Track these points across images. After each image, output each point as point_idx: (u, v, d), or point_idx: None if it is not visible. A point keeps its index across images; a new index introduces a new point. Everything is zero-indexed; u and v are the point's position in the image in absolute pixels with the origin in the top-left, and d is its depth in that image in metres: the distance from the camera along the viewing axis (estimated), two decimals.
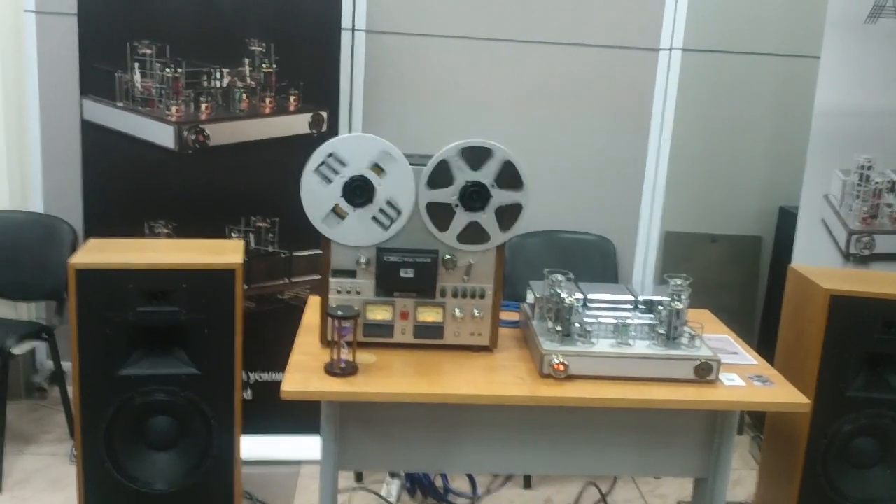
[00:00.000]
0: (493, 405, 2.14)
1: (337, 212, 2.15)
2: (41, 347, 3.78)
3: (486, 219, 2.17)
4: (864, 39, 3.24)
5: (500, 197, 2.16)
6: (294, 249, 3.25)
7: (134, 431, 2.48)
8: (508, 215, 2.18)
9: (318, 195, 2.14)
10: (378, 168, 2.13)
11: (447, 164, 2.13)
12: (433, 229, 2.16)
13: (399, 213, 2.15)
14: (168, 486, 2.51)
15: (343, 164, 2.13)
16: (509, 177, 2.16)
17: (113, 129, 3.10)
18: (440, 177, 2.14)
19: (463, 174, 2.14)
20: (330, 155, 2.12)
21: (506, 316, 2.41)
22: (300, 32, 3.12)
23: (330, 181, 2.13)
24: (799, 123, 3.66)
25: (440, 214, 2.16)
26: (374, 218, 2.15)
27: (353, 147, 2.13)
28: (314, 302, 2.45)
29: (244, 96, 3.12)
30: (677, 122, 3.78)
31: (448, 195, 2.15)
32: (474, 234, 2.18)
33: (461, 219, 2.16)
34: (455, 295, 2.22)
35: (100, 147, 3.12)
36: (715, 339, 2.40)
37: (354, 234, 2.16)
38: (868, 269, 3.34)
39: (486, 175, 2.14)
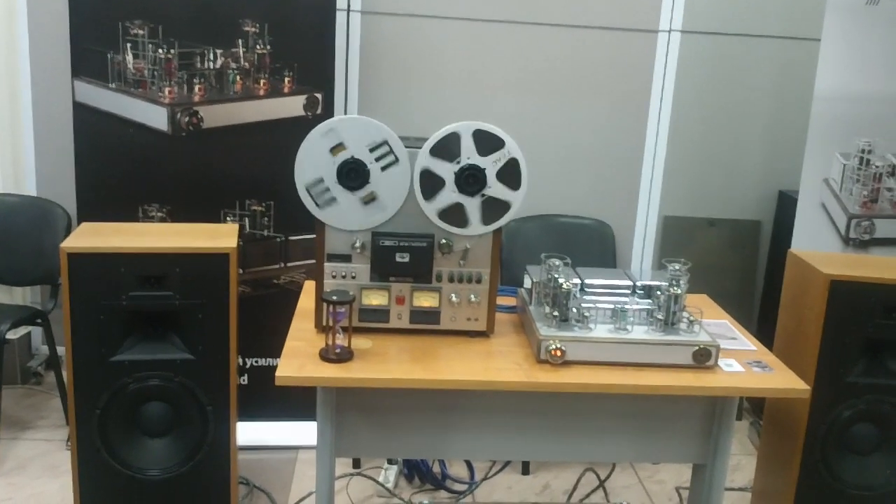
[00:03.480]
0: (490, 391, 2.12)
1: (366, 199, 2.12)
2: (36, 332, 3.77)
3: (472, 205, 2.14)
4: (866, 22, 3.21)
5: (494, 190, 2.14)
6: (289, 233, 3.23)
7: (128, 417, 2.46)
8: (494, 210, 2.15)
9: (341, 215, 2.13)
10: (338, 147, 2.10)
11: (457, 138, 2.10)
12: (419, 195, 2.13)
13: (387, 142, 2.11)
14: (163, 473, 2.49)
15: (321, 180, 2.11)
16: (510, 174, 2.13)
17: (105, 111, 3.07)
18: (445, 148, 2.11)
19: (468, 154, 2.11)
20: (308, 187, 2.11)
21: (503, 301, 2.39)
22: (295, 13, 3.08)
23: (335, 199, 2.12)
24: (799, 107, 3.63)
25: (431, 184, 2.13)
26: (383, 168, 2.12)
27: (309, 161, 2.11)
28: (309, 287, 2.43)
29: (238, 78, 3.09)
30: (676, 105, 3.75)
31: (446, 169, 2.12)
32: (455, 215, 2.15)
33: (449, 196, 2.14)
34: (451, 280, 2.20)
35: (92, 129, 3.08)
36: (714, 324, 2.39)
37: (392, 191, 2.13)
38: (868, 253, 3.32)
39: (489, 164, 2.12)
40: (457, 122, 2.10)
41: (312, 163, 2.11)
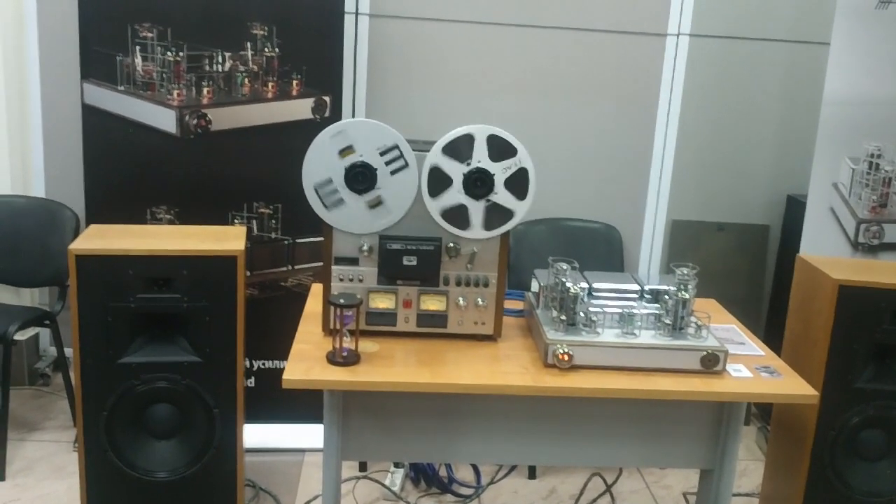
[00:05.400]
0: (497, 395, 2.12)
1: (372, 204, 2.12)
2: (44, 333, 3.78)
3: (476, 210, 2.14)
4: (875, 26, 3.19)
5: (500, 197, 2.13)
6: (297, 236, 3.23)
7: (135, 419, 2.46)
8: (497, 217, 2.15)
9: (347, 216, 2.13)
10: (347, 149, 2.10)
11: (471, 140, 2.10)
12: (424, 192, 2.13)
13: (397, 146, 2.11)
14: (170, 475, 2.49)
15: (329, 181, 2.11)
16: (518, 183, 2.13)
17: (114, 114, 3.08)
18: (458, 148, 2.11)
19: (479, 157, 2.11)
20: (316, 187, 2.11)
21: (510, 305, 2.38)
22: (303, 16, 3.08)
23: (342, 201, 2.12)
24: (807, 110, 3.62)
25: (439, 182, 2.13)
26: (392, 173, 2.12)
27: (317, 161, 2.11)
28: (317, 290, 2.43)
29: (246, 81, 3.09)
30: (684, 109, 3.74)
31: (456, 169, 2.12)
32: (457, 216, 2.15)
33: (454, 197, 2.13)
34: (458, 283, 2.20)
35: (101, 131, 3.09)
36: (722, 329, 2.38)
37: (398, 197, 2.13)
38: (877, 258, 3.30)
39: (499, 170, 2.11)
40: (474, 124, 2.10)
41: (321, 163, 2.11)
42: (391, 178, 2.11)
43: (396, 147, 2.10)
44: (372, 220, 2.14)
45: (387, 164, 2.10)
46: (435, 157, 2.11)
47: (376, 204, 2.13)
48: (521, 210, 2.15)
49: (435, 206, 2.14)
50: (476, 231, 2.16)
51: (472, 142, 2.10)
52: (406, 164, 2.11)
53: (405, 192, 2.12)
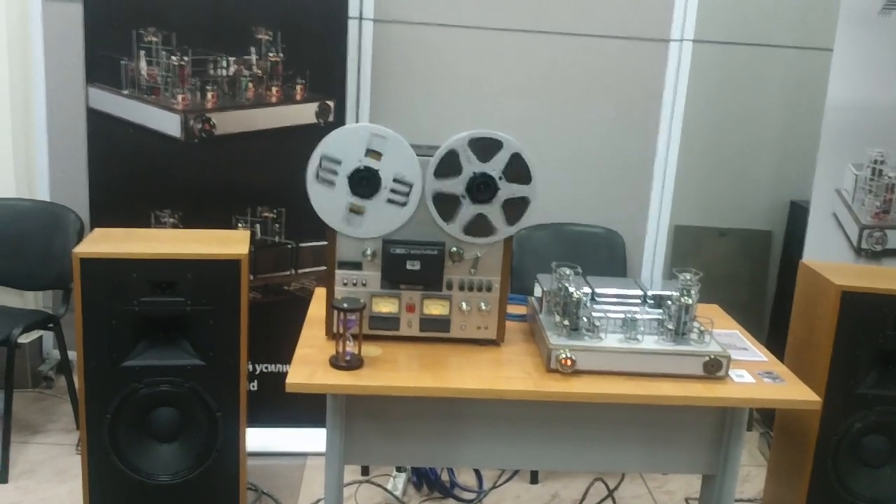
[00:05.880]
0: (500, 400, 2.12)
1: (353, 209, 2.12)
2: (48, 336, 3.78)
3: (493, 212, 2.15)
4: (878, 32, 3.20)
5: (508, 190, 2.14)
6: (300, 240, 3.24)
7: (138, 422, 2.47)
8: (515, 209, 2.15)
9: (328, 200, 2.12)
10: (374, 153, 2.11)
11: (455, 155, 2.11)
12: (439, 220, 2.14)
13: (410, 186, 2.13)
14: (172, 478, 2.50)
15: (338, 161, 2.11)
16: (517, 170, 2.13)
17: (118, 118, 3.09)
18: (448, 167, 2.12)
19: (471, 165, 2.11)
20: (323, 157, 2.10)
21: (513, 309, 2.38)
22: (307, 21, 3.09)
23: (333, 183, 2.11)
24: (811, 116, 3.63)
25: (447, 205, 2.14)
26: (389, 201, 2.13)
27: (341, 142, 2.11)
28: (320, 294, 2.44)
29: (250, 85, 3.10)
30: (687, 114, 3.75)
31: (455, 186, 2.13)
32: (481, 226, 2.16)
33: (468, 210, 2.14)
34: (462, 288, 2.20)
35: (105, 135, 3.10)
36: (724, 334, 2.38)
37: (377, 223, 2.14)
38: (880, 264, 3.30)
39: (495, 167, 2.12)
40: (450, 138, 2.10)
41: (343, 145, 2.11)
42: (383, 204, 2.13)
43: (407, 182, 2.11)
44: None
45: (392, 191, 2.12)
46: (431, 185, 2.12)
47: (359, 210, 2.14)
48: (534, 192, 2.15)
49: (456, 228, 2.15)
50: (502, 231, 2.17)
51: (457, 155, 2.11)
52: (404, 203, 2.13)
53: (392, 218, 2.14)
